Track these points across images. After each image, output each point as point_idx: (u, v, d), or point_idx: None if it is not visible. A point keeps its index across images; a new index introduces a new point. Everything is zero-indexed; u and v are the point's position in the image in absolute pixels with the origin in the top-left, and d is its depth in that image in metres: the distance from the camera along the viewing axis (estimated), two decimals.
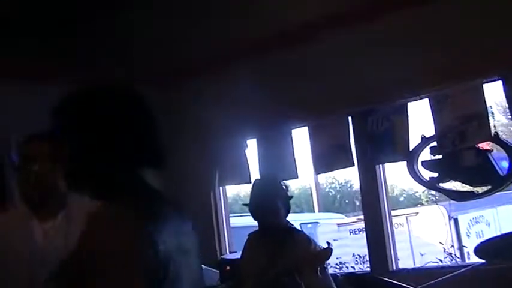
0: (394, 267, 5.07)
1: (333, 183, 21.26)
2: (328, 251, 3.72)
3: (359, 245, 8.15)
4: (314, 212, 13.73)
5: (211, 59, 5.69)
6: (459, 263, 8.30)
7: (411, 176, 4.90)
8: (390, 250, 5.08)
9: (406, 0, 4.75)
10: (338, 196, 21.72)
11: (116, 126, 1.86)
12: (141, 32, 5.34)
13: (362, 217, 6.62)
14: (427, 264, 6.60)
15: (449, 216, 9.47)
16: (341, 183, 21.41)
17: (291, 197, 4.10)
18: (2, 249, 3.13)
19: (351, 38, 5.04)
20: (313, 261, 3.71)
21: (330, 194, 21.42)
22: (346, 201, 21.22)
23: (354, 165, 5.16)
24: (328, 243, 3.81)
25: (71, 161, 1.86)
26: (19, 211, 3.25)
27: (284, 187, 4.06)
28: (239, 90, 5.43)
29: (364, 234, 5.40)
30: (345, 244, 9.74)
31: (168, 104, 5.48)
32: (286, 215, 4.03)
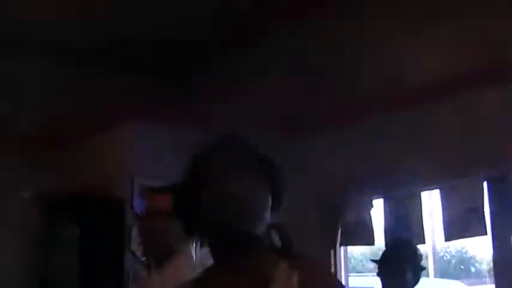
0: None
1: (449, 247, 20.59)
2: None
3: None
4: (428, 276, 13.27)
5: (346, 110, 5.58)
6: None
7: None
8: None
9: None
10: (453, 261, 20.99)
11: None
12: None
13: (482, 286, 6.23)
14: None
15: None
16: (457, 248, 20.71)
17: (424, 268, 3.84)
18: None
19: (489, 93, 4.81)
20: None
21: (445, 258, 20.74)
22: (462, 267, 20.50)
23: (487, 234, 4.84)
24: None
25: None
26: None
27: (419, 255, 3.81)
28: (368, 144, 5.28)
29: None
30: None
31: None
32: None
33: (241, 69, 5.43)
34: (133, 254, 5.03)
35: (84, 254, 4.99)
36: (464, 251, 20.99)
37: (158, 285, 3.04)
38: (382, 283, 3.84)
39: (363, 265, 13.31)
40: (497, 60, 4.73)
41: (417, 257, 3.80)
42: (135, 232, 5.00)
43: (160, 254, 3.05)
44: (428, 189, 5.31)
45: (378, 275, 3.85)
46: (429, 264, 14.81)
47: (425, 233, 5.18)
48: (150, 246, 3.12)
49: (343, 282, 5.70)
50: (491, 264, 5.06)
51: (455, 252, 21.83)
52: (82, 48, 5.44)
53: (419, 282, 3.79)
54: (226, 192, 1.65)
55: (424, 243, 5.20)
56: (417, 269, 3.77)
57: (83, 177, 5.67)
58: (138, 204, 5.22)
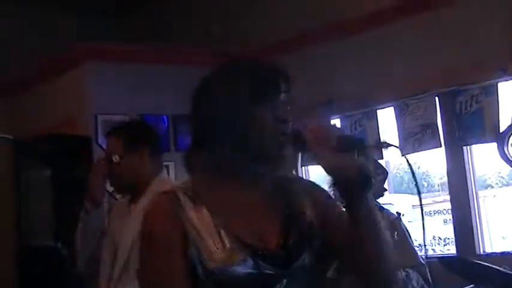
0: (482, 251, 5.00)
1: (401, 164, 21.01)
2: None
3: (437, 226, 8.03)
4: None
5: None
6: None
7: (502, 158, 4.80)
8: (477, 233, 5.01)
9: None
10: (406, 178, 21.44)
11: None
12: None
13: (439, 199, 6.49)
14: None
15: None
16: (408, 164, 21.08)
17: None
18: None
19: (439, 14, 5.00)
20: None
21: (398, 175, 21.18)
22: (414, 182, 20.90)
23: (441, 146, 5.08)
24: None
25: None
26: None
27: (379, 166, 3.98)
28: (325, 67, 5.42)
29: (441, 216, 5.30)
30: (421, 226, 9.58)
31: None
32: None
33: None
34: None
35: (56, 192, 5.10)
36: (416, 166, 21.49)
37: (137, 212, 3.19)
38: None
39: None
40: None
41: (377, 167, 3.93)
42: None
43: (133, 189, 3.22)
44: (383, 108, 5.49)
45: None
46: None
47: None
48: (120, 185, 3.27)
49: None
50: (443, 178, 5.29)
51: (408, 169, 22.36)
52: None
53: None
54: None
55: (382, 158, 5.41)
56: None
57: (48, 119, 5.75)
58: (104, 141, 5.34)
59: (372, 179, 1.64)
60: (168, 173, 2.61)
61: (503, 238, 8.59)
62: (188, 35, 6.70)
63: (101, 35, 6.24)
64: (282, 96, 1.70)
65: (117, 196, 3.46)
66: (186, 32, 6.74)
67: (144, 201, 3.16)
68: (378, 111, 5.46)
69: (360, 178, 1.62)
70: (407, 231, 3.82)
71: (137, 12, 7.30)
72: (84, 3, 6.45)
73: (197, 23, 6.71)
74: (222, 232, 1.61)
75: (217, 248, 1.59)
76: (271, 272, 1.61)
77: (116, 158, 3.09)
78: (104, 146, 3.38)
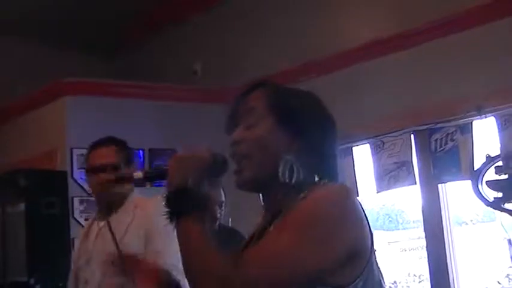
0: None
1: (376, 200, 21.08)
2: None
3: (411, 263, 8.04)
4: None
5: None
6: None
7: (476, 195, 4.84)
8: (452, 270, 5.03)
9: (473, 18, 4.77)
10: (382, 213, 21.48)
11: None
12: None
13: (414, 235, 6.50)
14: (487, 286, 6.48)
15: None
16: (385, 201, 21.17)
17: None
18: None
19: (415, 52, 5.06)
20: None
21: (374, 210, 21.24)
22: (390, 219, 20.97)
23: (416, 183, 5.12)
24: None
25: None
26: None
27: None
28: None
29: (416, 252, 5.30)
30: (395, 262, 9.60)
31: None
32: None
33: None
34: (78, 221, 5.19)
35: (30, 227, 5.07)
36: (391, 203, 21.57)
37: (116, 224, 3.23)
38: None
39: None
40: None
41: None
42: (77, 202, 5.14)
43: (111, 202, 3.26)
44: (359, 145, 5.51)
45: None
46: None
47: (358, 185, 5.44)
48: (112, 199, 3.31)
49: None
50: (419, 213, 5.33)
51: (383, 205, 22.47)
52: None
53: None
54: None
55: (358, 196, 5.44)
56: None
57: (27, 151, 5.74)
58: (79, 175, 5.34)
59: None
60: None
61: (478, 275, 8.64)
62: (171, 72, 6.80)
63: (86, 71, 6.32)
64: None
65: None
66: (168, 69, 6.85)
67: (124, 213, 3.23)
68: (353, 148, 5.49)
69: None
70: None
71: (121, 51, 7.48)
72: (65, 38, 6.53)
73: (180, 61, 6.82)
74: None
75: None
76: None
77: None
78: (94, 160, 3.36)
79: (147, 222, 3.18)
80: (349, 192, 1.69)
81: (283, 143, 1.75)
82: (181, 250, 1.65)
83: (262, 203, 1.83)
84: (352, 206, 1.65)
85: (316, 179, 1.77)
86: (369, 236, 1.68)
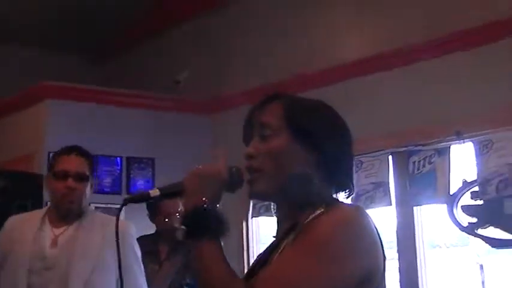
0: None
1: None
2: None
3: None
4: None
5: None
6: None
7: (451, 219, 4.86)
8: None
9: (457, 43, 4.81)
10: None
11: None
12: None
13: (388, 257, 6.53)
14: None
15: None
16: None
17: None
18: (8, 244, 3.28)
19: (396, 74, 5.10)
20: None
21: None
22: None
23: (391, 204, 5.14)
24: None
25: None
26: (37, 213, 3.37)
27: None
28: None
29: (388, 274, 5.29)
30: None
31: None
32: None
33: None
34: None
35: None
36: None
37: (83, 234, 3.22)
38: None
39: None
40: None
41: None
42: None
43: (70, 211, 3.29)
44: None
45: None
46: None
47: None
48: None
49: (254, 252, 5.93)
50: (393, 234, 5.33)
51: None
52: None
53: None
54: None
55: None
56: None
57: (6, 153, 5.72)
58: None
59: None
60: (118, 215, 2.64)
61: None
62: (154, 81, 6.82)
63: (70, 76, 6.31)
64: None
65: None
66: (151, 78, 6.87)
67: (90, 229, 3.22)
68: None
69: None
70: None
71: (107, 57, 7.51)
72: (48, 41, 6.53)
73: (163, 70, 6.85)
74: None
75: None
76: None
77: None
78: (65, 165, 3.31)
79: (124, 253, 2.94)
80: (365, 215, 1.69)
81: (299, 157, 1.75)
82: (197, 270, 1.66)
83: (275, 213, 1.84)
84: (368, 231, 1.66)
85: (333, 191, 1.81)
86: (382, 260, 1.70)
